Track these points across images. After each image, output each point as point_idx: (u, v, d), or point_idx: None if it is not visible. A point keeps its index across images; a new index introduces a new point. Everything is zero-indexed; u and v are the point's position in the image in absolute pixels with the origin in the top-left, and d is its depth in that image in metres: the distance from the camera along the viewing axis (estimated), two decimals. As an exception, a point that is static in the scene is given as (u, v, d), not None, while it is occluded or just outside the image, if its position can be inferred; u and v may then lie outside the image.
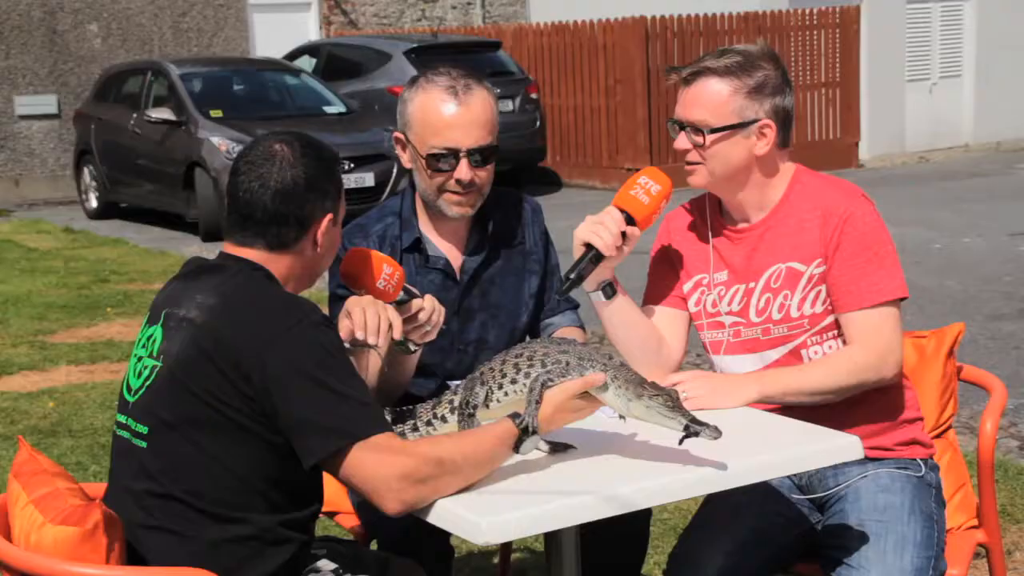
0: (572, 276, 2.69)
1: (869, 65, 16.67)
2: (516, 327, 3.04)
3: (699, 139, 2.70)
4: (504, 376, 2.34)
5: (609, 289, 2.78)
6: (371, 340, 2.48)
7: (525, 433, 2.24)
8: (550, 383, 2.27)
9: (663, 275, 2.91)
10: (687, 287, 2.87)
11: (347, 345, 2.49)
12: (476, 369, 2.44)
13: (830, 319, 2.71)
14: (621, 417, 2.35)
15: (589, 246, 2.68)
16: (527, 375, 2.31)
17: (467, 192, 2.86)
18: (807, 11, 16.08)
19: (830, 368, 2.66)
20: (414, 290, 2.68)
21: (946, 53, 18.15)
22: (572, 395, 2.27)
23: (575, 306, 3.16)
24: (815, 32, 16.11)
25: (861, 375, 2.65)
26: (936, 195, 13.27)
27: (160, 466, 2.23)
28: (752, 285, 2.76)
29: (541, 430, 2.26)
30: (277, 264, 2.34)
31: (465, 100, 2.82)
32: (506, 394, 2.34)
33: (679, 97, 2.75)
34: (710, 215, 2.85)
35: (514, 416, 2.27)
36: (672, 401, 2.23)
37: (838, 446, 2.42)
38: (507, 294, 3.01)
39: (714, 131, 2.68)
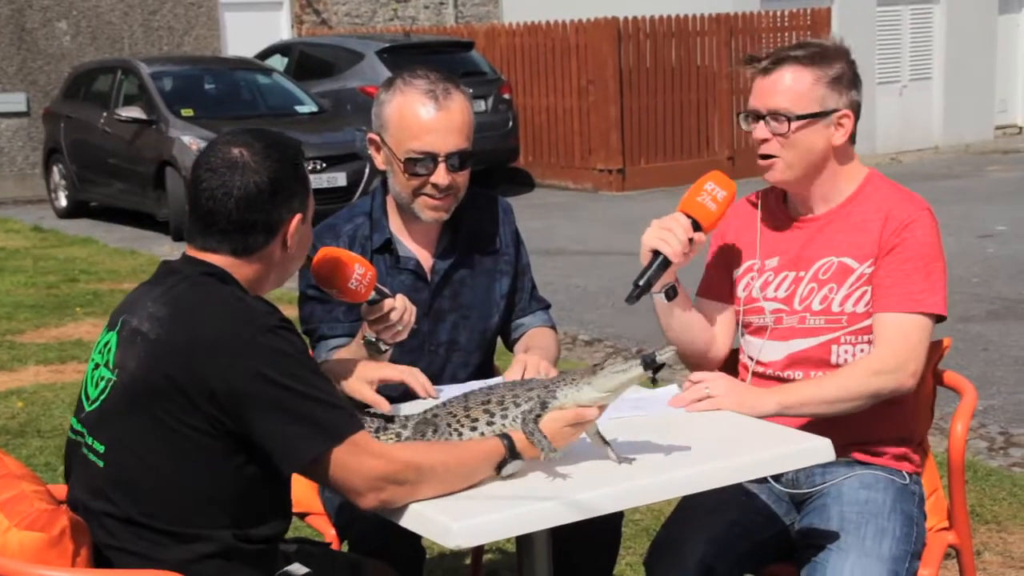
0: (641, 283, 2.69)
1: (840, 67, 16.74)
2: (487, 328, 3.03)
3: (782, 127, 2.71)
4: (476, 420, 2.34)
5: (672, 291, 2.80)
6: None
7: (511, 456, 2.24)
8: (540, 415, 2.29)
9: (719, 267, 2.94)
10: (737, 272, 2.89)
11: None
12: (429, 413, 2.40)
13: (868, 322, 2.72)
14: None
15: (656, 252, 2.68)
16: (504, 416, 2.32)
17: (443, 197, 2.85)
18: (778, 13, 16.15)
19: (848, 375, 2.67)
20: (386, 290, 2.67)
21: (916, 56, 18.29)
22: (564, 424, 2.28)
23: (546, 306, 3.16)
24: (786, 34, 16.17)
25: (879, 381, 2.64)
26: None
27: (118, 488, 2.17)
28: (802, 274, 2.78)
29: (527, 456, 2.26)
30: (244, 269, 2.27)
31: (445, 105, 2.81)
32: (483, 435, 2.32)
33: (754, 88, 2.76)
34: (771, 205, 2.88)
35: (503, 437, 2.27)
36: (624, 355, 2.26)
37: (809, 448, 2.42)
38: (478, 295, 3.01)
39: (799, 118, 2.70)
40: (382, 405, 2.54)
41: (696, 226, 2.71)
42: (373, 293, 2.62)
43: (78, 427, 2.29)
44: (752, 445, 2.45)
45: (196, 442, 2.14)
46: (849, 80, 2.75)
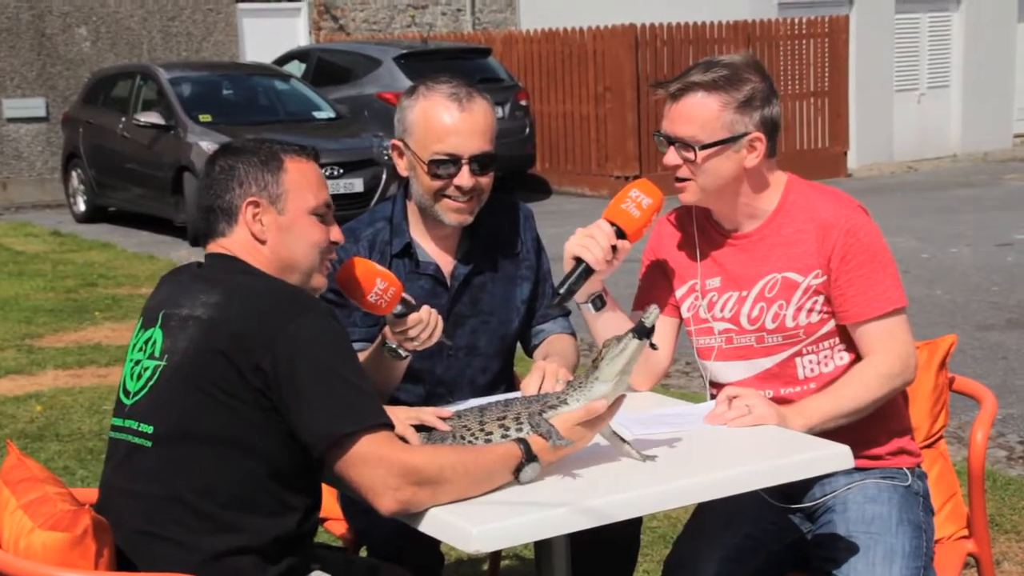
0: (562, 291, 2.68)
1: (858, 75, 16.72)
2: (507, 333, 3.03)
3: (689, 155, 2.68)
4: (491, 434, 2.36)
5: (599, 301, 2.79)
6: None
7: (527, 460, 2.25)
8: (547, 415, 2.31)
9: (654, 281, 2.92)
10: (680, 292, 2.87)
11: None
12: (448, 429, 2.42)
13: (826, 328, 2.72)
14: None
15: (579, 260, 2.67)
16: (519, 430, 2.33)
17: (467, 200, 2.86)
18: (796, 20, 16.13)
19: (861, 385, 2.67)
20: (412, 302, 2.67)
21: (934, 63, 18.24)
22: (573, 424, 2.29)
23: (566, 313, 3.16)
24: (804, 41, 16.16)
25: (891, 383, 2.68)
26: (924, 205, 13.32)
27: (166, 466, 2.22)
28: (744, 293, 2.76)
29: (544, 460, 2.27)
30: (240, 251, 2.37)
31: (468, 107, 2.84)
32: None
33: (666, 111, 2.73)
34: (702, 221, 2.85)
35: (519, 441, 2.28)
36: (616, 338, 2.30)
37: (828, 455, 2.42)
38: (498, 300, 3.01)
39: (705, 147, 2.66)
40: (413, 439, 2.51)
41: (620, 234, 2.68)
42: (399, 307, 2.63)
43: (120, 423, 2.33)
44: (770, 452, 2.45)
45: (242, 416, 2.19)
46: (763, 98, 2.68)
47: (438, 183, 2.85)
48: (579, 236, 2.68)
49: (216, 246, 2.40)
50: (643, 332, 2.27)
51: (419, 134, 2.85)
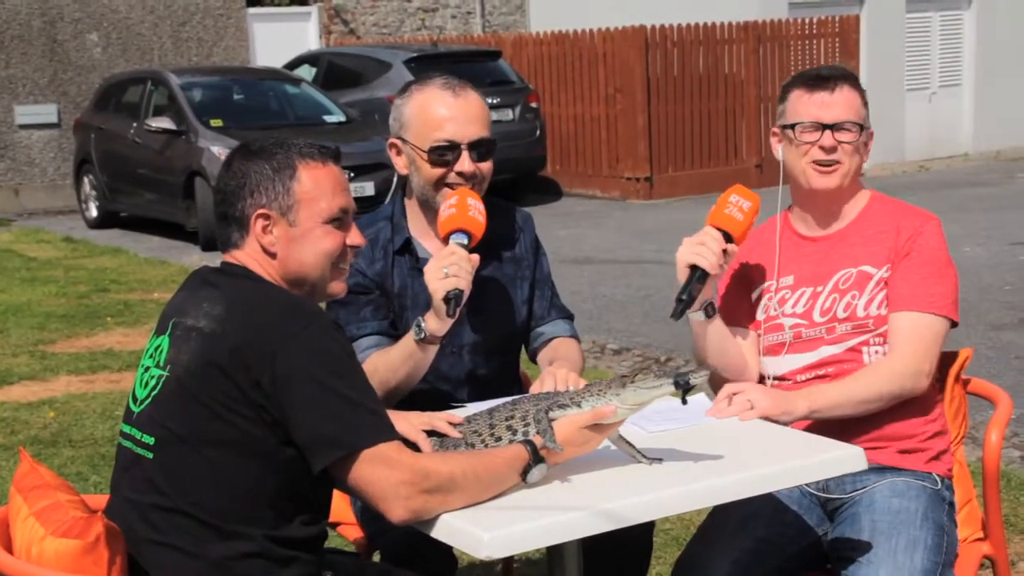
0: (684, 297, 2.73)
1: (869, 74, 16.67)
2: (509, 331, 3.05)
3: (851, 136, 2.83)
4: (500, 440, 2.36)
5: (711, 308, 2.85)
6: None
7: (534, 461, 2.25)
8: (553, 417, 2.30)
9: (735, 293, 3.00)
10: (755, 296, 2.96)
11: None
12: (458, 436, 2.42)
13: None
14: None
15: (694, 268, 2.73)
16: (526, 433, 2.33)
17: (470, 187, 2.88)
18: (807, 20, 16.10)
19: (872, 377, 2.75)
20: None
21: (946, 62, 18.18)
22: (580, 427, 2.28)
23: (569, 316, 3.16)
24: (815, 41, 16.12)
25: (901, 382, 2.74)
26: (936, 204, 13.24)
27: (167, 478, 2.22)
28: (819, 289, 2.86)
29: (550, 461, 2.27)
30: (252, 264, 2.35)
31: (462, 95, 2.91)
32: None
33: (812, 102, 2.85)
34: (782, 228, 2.95)
35: (525, 443, 2.27)
36: (656, 370, 2.27)
37: (841, 457, 2.42)
38: (499, 299, 3.03)
39: (862, 128, 2.85)
40: (425, 445, 2.51)
41: (727, 238, 2.76)
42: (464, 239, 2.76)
43: (127, 430, 2.32)
44: (784, 454, 2.44)
45: (244, 431, 2.18)
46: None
47: (439, 171, 2.89)
48: (689, 245, 2.76)
49: (229, 256, 2.37)
50: (682, 385, 2.25)
51: (417, 126, 2.91)
